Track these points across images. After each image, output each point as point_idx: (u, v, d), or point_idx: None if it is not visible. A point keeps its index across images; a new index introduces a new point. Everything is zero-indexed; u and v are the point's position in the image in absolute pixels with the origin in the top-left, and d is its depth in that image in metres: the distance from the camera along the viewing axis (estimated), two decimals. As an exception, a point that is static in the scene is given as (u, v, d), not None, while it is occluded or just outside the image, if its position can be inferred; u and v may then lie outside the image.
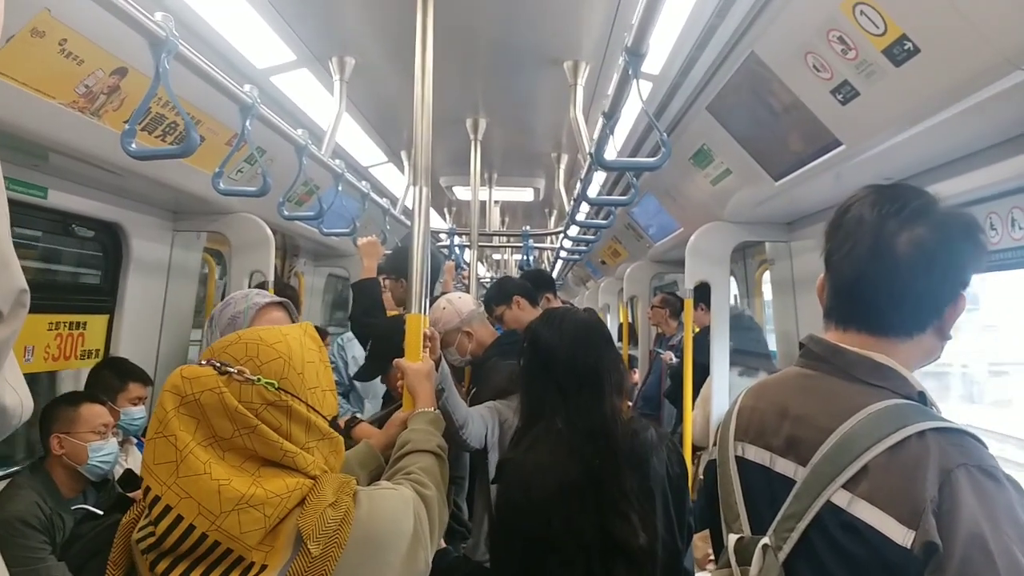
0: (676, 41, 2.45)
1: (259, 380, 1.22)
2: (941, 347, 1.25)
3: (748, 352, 3.90)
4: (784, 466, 1.22)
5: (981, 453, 1.06)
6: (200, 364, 1.24)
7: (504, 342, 3.03)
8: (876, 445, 1.08)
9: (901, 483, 1.05)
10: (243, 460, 1.19)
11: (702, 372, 3.68)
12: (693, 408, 3.73)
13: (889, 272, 1.18)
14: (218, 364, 1.22)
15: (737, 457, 1.34)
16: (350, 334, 4.45)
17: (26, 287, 0.69)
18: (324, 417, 1.30)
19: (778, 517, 1.18)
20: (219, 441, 1.19)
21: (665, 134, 2.09)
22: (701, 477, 1.53)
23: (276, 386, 1.22)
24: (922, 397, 1.17)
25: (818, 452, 1.14)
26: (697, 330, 4.03)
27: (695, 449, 3.70)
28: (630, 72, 1.94)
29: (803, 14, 1.94)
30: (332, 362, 4.37)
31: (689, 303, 3.72)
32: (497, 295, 3.50)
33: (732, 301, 4.38)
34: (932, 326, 1.20)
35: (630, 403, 5.76)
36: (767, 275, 4.60)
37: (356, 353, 4.15)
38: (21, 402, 0.71)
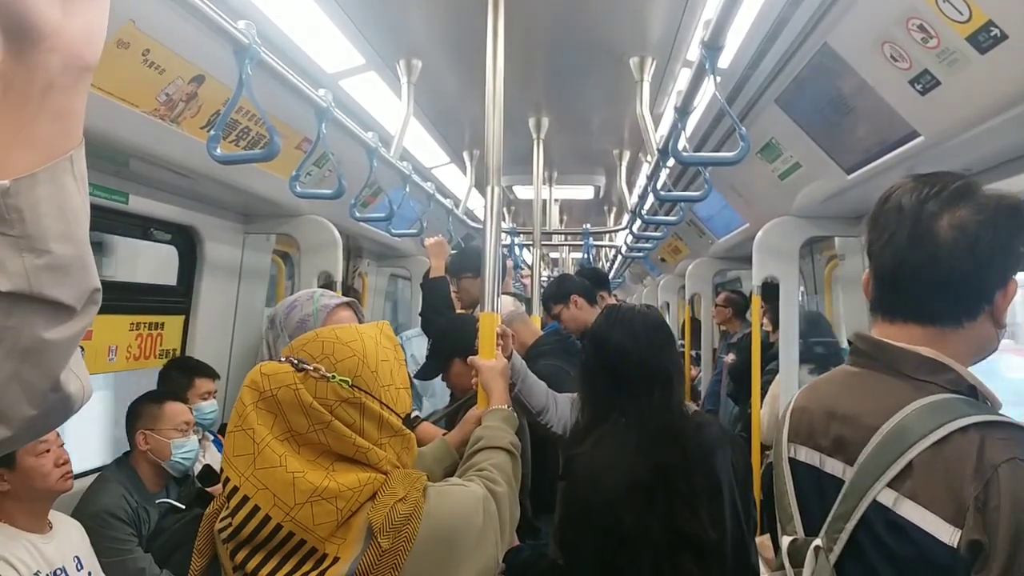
0: (747, 33, 2.41)
1: (334, 377, 1.26)
2: (998, 336, 1.19)
3: (818, 351, 3.82)
4: (833, 466, 1.21)
5: None
6: (280, 361, 1.29)
7: (543, 343, 3.04)
8: (920, 441, 1.05)
9: (946, 480, 1.02)
10: (318, 454, 1.24)
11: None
12: (761, 406, 3.69)
13: (930, 257, 1.13)
14: (296, 361, 1.27)
15: (790, 459, 1.32)
16: (409, 332, 4.49)
17: (99, 287, 0.74)
18: (397, 414, 1.33)
19: (829, 518, 1.16)
20: (295, 435, 1.23)
21: (743, 128, 2.06)
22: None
23: (350, 383, 1.26)
24: (972, 391, 1.13)
25: (864, 451, 1.12)
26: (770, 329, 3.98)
27: (763, 448, 3.65)
28: (707, 67, 1.92)
29: (881, 3, 1.90)
30: None
31: (756, 300, 3.66)
32: (556, 293, 3.51)
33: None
34: (984, 313, 1.15)
35: (696, 402, 5.73)
36: (836, 271, 4.51)
37: (415, 351, 4.19)
38: (83, 387, 0.78)
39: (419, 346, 4.08)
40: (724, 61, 2.68)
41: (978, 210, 1.12)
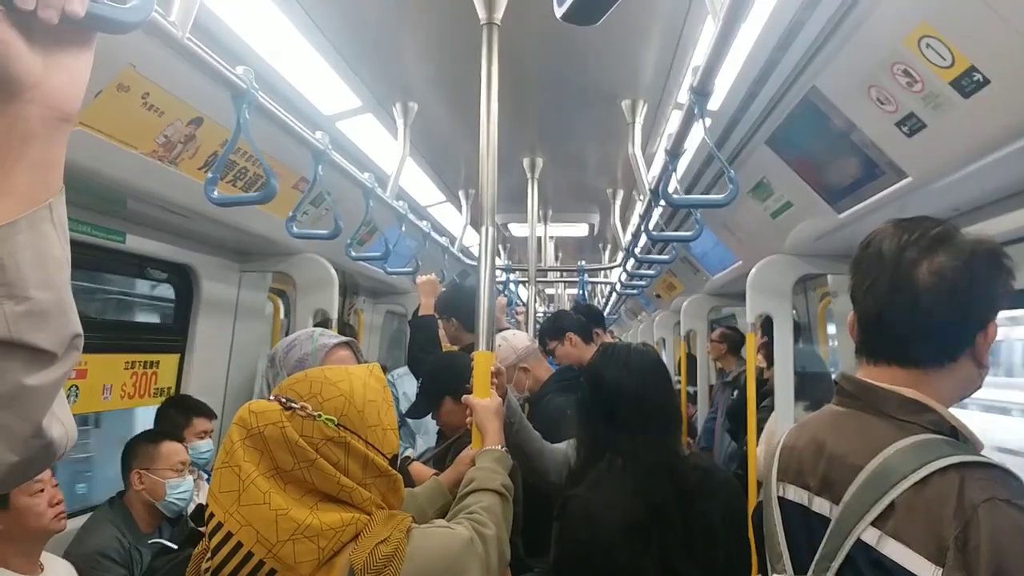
0: (736, 77, 2.46)
1: (320, 416, 1.27)
2: (980, 376, 1.22)
3: (814, 387, 3.81)
4: (820, 505, 1.23)
5: (1010, 486, 1.05)
6: (269, 399, 1.31)
7: (560, 379, 3.03)
8: (902, 481, 1.07)
9: (927, 519, 1.04)
10: (303, 493, 1.24)
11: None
12: (757, 444, 3.67)
13: (911, 302, 1.17)
14: (284, 400, 1.29)
15: (779, 498, 1.34)
16: (400, 370, 4.48)
17: (80, 332, 0.76)
18: (384, 455, 1.33)
19: (816, 557, 1.18)
20: (281, 473, 1.24)
21: (732, 171, 2.09)
22: None
23: (336, 422, 1.28)
24: (954, 432, 1.16)
25: (848, 490, 1.14)
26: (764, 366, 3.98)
27: (759, 484, 3.62)
28: (696, 111, 1.96)
29: (866, 49, 1.94)
30: None
31: (751, 337, 3.67)
32: (551, 329, 3.52)
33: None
34: (965, 354, 1.19)
35: (690, 440, 5.70)
36: (829, 308, 4.52)
37: (407, 389, 4.18)
38: (67, 433, 0.78)
39: (410, 384, 4.07)
40: (714, 103, 2.73)
41: (955, 256, 1.15)
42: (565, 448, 2.31)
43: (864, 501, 1.11)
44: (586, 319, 3.68)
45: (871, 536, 1.09)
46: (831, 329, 4.70)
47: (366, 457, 1.30)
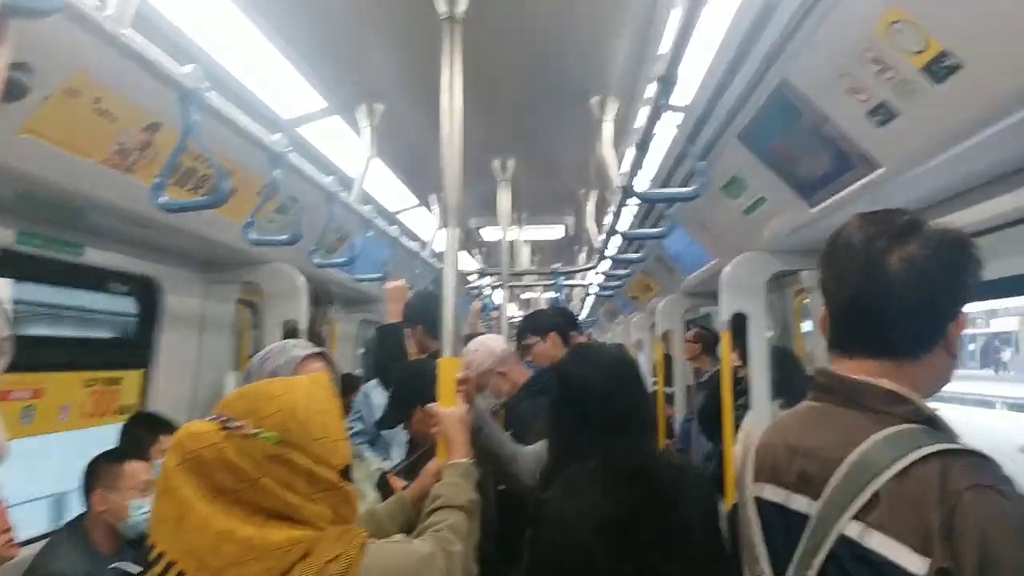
0: (706, 71, 2.43)
1: (259, 434, 1.22)
2: (952, 366, 1.23)
3: (790, 385, 3.80)
4: (799, 502, 1.21)
5: (992, 472, 1.05)
6: (209, 419, 1.25)
7: (537, 382, 2.98)
8: (884, 472, 1.07)
9: (911, 509, 1.03)
10: (249, 512, 1.19)
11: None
12: (734, 443, 3.64)
13: (883, 292, 1.17)
14: (223, 419, 1.23)
15: (756, 498, 1.32)
16: (373, 382, 4.39)
17: (7, 335, 0.71)
18: (333, 467, 1.28)
19: (796, 556, 1.16)
20: (223, 494, 1.19)
21: (701, 163, 2.06)
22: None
23: (277, 439, 1.22)
24: (932, 421, 1.15)
25: (828, 484, 1.13)
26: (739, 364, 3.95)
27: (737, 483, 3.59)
28: (662, 102, 1.92)
29: (837, 37, 1.91)
30: (357, 410, 4.32)
31: (726, 335, 3.64)
32: (534, 326, 3.45)
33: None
34: (938, 345, 1.19)
35: (669, 441, 5.69)
36: (804, 305, 4.52)
37: (380, 400, 4.10)
38: (2, 445, 0.74)
39: (380, 396, 3.99)
40: (685, 98, 2.70)
41: (925, 244, 1.16)
42: (538, 449, 2.26)
43: (846, 494, 1.09)
44: (562, 321, 3.63)
45: (854, 530, 1.08)
46: (806, 326, 4.70)
47: (311, 472, 1.25)
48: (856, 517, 1.08)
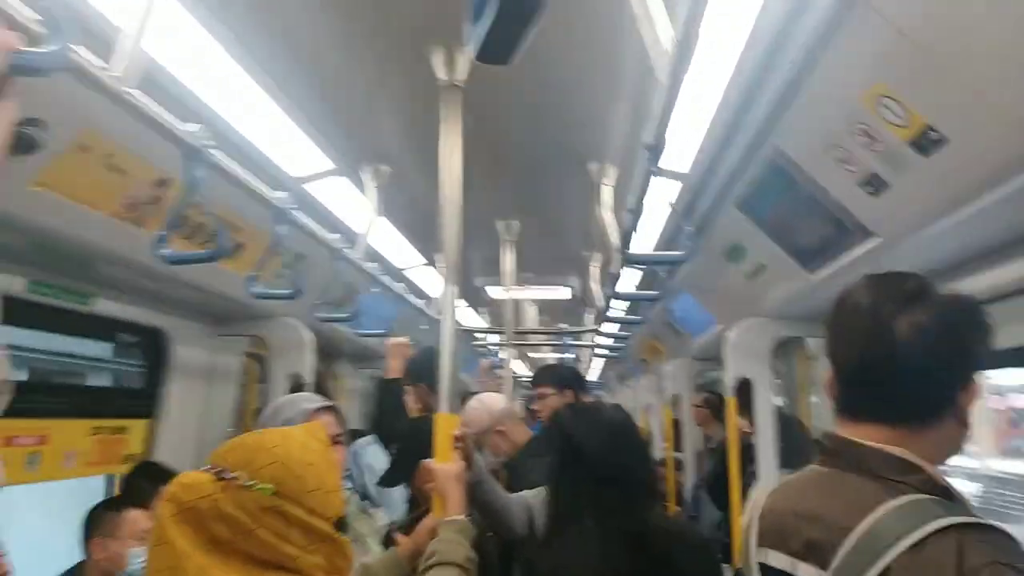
0: (703, 140, 2.48)
1: (254, 485, 1.21)
2: (964, 436, 1.19)
3: (795, 454, 3.75)
4: (806, 571, 1.16)
5: (1011, 550, 1.00)
6: (203, 470, 1.25)
7: (539, 441, 2.96)
8: (897, 544, 1.01)
9: None
10: (244, 563, 1.19)
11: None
12: (743, 510, 3.59)
13: (889, 358, 1.14)
14: (218, 470, 1.23)
15: (760, 564, 1.27)
16: (363, 440, 4.34)
17: (7, 378, 0.75)
18: (327, 519, 1.28)
19: None
20: (220, 545, 1.18)
21: (690, 227, 2.09)
22: None
23: (272, 491, 1.22)
24: (946, 492, 1.11)
25: (837, 555, 1.08)
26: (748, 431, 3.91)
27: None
28: (650, 168, 1.96)
29: (825, 109, 1.95)
30: (347, 469, 4.29)
31: (732, 401, 3.62)
32: (552, 377, 3.48)
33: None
34: (948, 413, 1.15)
35: (679, 508, 5.59)
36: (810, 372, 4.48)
37: (370, 460, 4.05)
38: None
39: (374, 454, 3.95)
40: (683, 166, 2.75)
41: (933, 310, 1.13)
42: (526, 496, 2.26)
43: (856, 566, 1.04)
44: (577, 381, 3.65)
45: None
46: (813, 396, 4.65)
47: (308, 524, 1.24)
48: None
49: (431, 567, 1.64)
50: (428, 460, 2.02)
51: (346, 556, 1.33)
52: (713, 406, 5.24)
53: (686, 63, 1.49)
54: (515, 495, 2.27)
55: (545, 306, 7.39)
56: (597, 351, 6.20)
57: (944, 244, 2.14)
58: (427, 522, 1.94)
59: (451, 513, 1.86)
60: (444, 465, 1.97)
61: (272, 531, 1.20)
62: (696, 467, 5.75)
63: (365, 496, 4.15)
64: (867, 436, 1.17)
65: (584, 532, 1.79)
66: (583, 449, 1.91)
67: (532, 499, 2.30)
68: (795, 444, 3.77)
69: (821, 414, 4.14)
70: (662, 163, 2.20)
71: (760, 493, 3.40)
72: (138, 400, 3.41)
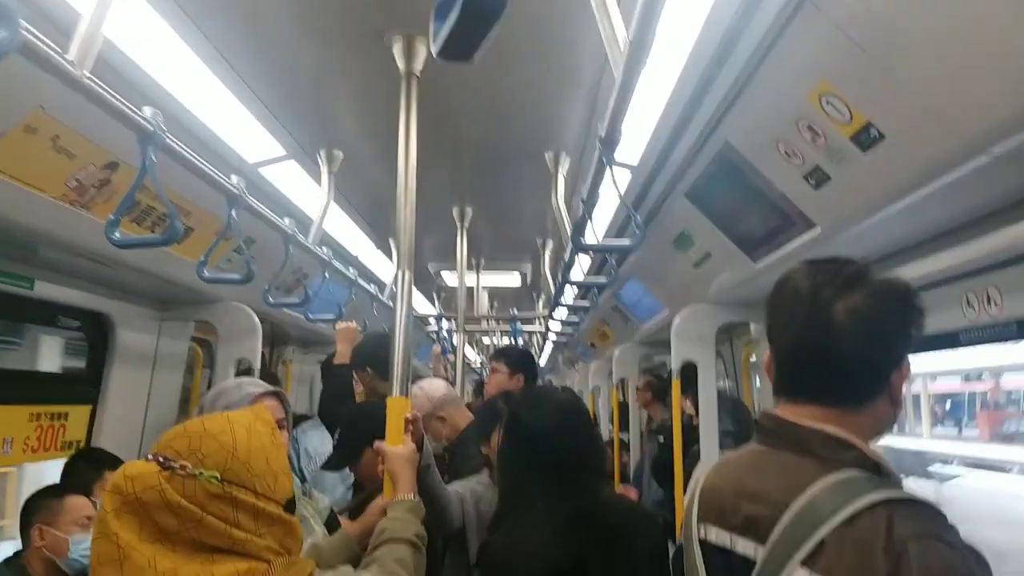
0: (653, 132, 2.53)
1: (201, 474, 1.21)
2: (895, 414, 1.24)
3: (739, 434, 3.87)
4: (744, 546, 1.20)
5: (936, 522, 1.05)
6: (147, 459, 1.24)
7: (477, 422, 2.99)
8: (831, 519, 1.06)
9: (857, 558, 1.03)
10: (193, 550, 1.19)
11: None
12: (685, 491, 3.69)
13: (827, 341, 1.18)
14: (163, 459, 1.22)
15: (700, 540, 1.31)
16: (305, 424, 4.32)
17: None
18: (276, 501, 1.29)
19: None
20: (167, 535, 1.18)
21: (639, 217, 2.15)
22: None
23: (219, 478, 1.22)
24: (877, 468, 1.15)
25: (774, 530, 1.12)
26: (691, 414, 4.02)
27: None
28: (604, 160, 2.00)
29: (773, 105, 2.02)
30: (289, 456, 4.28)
31: (677, 384, 3.71)
32: (507, 357, 3.60)
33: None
34: (881, 394, 1.19)
35: (623, 485, 5.70)
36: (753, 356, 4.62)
37: (310, 445, 4.04)
38: None
39: (313, 439, 3.94)
40: (634, 158, 2.80)
41: (870, 295, 1.17)
42: (459, 490, 2.30)
43: (792, 540, 1.08)
44: (532, 369, 3.72)
45: None
46: (756, 379, 4.79)
47: (256, 508, 1.25)
48: (803, 564, 1.06)
49: (381, 543, 1.65)
50: (380, 442, 2.02)
51: (296, 536, 1.34)
52: (656, 389, 5.35)
53: (641, 60, 1.53)
54: (453, 484, 2.31)
55: (495, 292, 7.42)
56: (550, 337, 6.26)
57: (879, 234, 2.23)
58: (378, 502, 1.96)
59: (401, 493, 1.88)
60: (396, 447, 1.99)
61: (221, 517, 1.21)
62: (640, 448, 5.87)
63: (303, 480, 4.16)
64: (804, 416, 1.21)
65: (534, 513, 1.81)
66: (533, 434, 1.92)
67: (463, 490, 2.33)
68: (741, 425, 3.90)
69: (763, 397, 4.27)
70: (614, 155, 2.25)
71: (702, 471, 3.52)
72: (80, 385, 3.33)
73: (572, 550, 1.74)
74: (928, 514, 1.06)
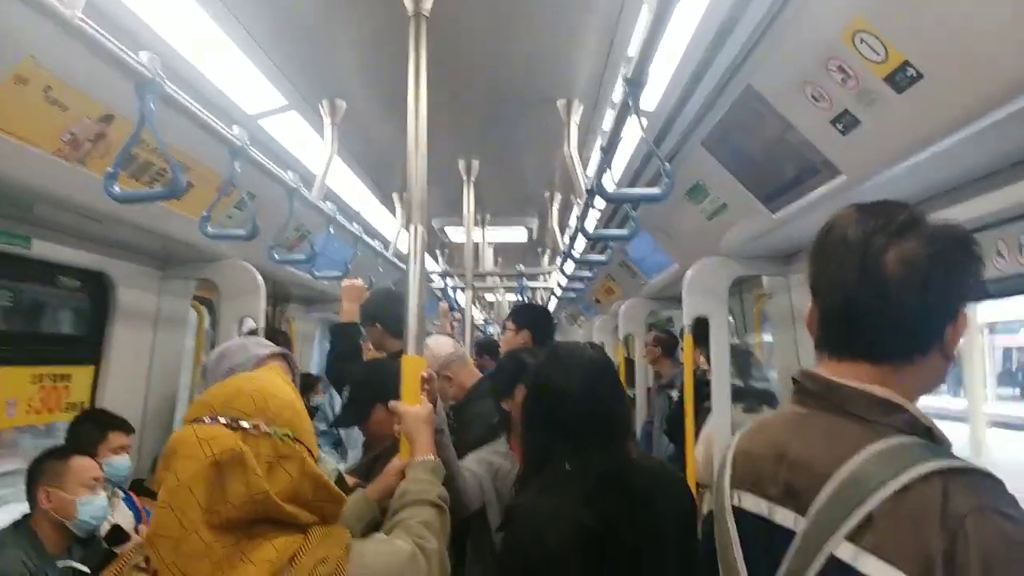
0: (672, 76, 2.43)
1: (275, 432, 1.18)
2: (947, 368, 1.15)
3: (751, 389, 3.84)
4: (783, 516, 1.12)
5: (997, 494, 0.97)
6: (205, 422, 1.18)
7: (484, 386, 2.95)
8: (879, 490, 0.97)
9: (910, 533, 0.95)
10: (243, 531, 1.15)
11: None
12: (696, 446, 3.67)
13: (880, 293, 1.08)
14: (227, 420, 1.17)
15: (734, 507, 1.23)
16: None
17: None
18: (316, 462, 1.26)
19: (780, 574, 1.07)
20: (228, 509, 1.13)
21: (667, 164, 2.05)
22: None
23: (291, 436, 1.19)
24: (929, 433, 1.07)
25: (817, 500, 1.04)
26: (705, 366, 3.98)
27: (698, 486, 3.62)
28: (630, 103, 1.91)
29: (801, 45, 1.92)
30: (323, 412, 4.27)
31: (689, 339, 3.66)
32: (515, 314, 3.63)
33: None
34: (934, 347, 1.10)
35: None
36: (766, 309, 4.57)
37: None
38: None
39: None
40: (650, 104, 2.70)
41: (926, 243, 1.07)
42: (476, 468, 2.22)
43: (837, 512, 1.00)
44: (548, 321, 3.70)
45: (847, 552, 0.98)
46: (765, 331, 4.75)
47: (318, 478, 1.22)
48: (849, 538, 0.99)
49: (405, 506, 1.60)
50: (396, 402, 1.97)
51: (336, 501, 1.29)
52: (664, 344, 5.32)
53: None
54: (467, 461, 2.22)
55: (499, 248, 7.36)
56: (557, 292, 6.21)
57: (907, 182, 2.14)
58: (395, 463, 1.90)
59: (420, 454, 1.82)
60: (412, 407, 1.93)
61: (284, 483, 1.18)
62: (646, 404, 5.87)
63: (338, 440, 4.17)
64: (849, 375, 1.13)
65: (561, 476, 1.76)
66: (561, 396, 1.83)
67: (479, 468, 2.24)
68: (751, 377, 3.87)
69: (775, 351, 4.23)
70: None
71: (712, 429, 3.49)
72: (82, 346, 3.28)
73: (601, 512, 1.68)
74: (988, 485, 0.98)
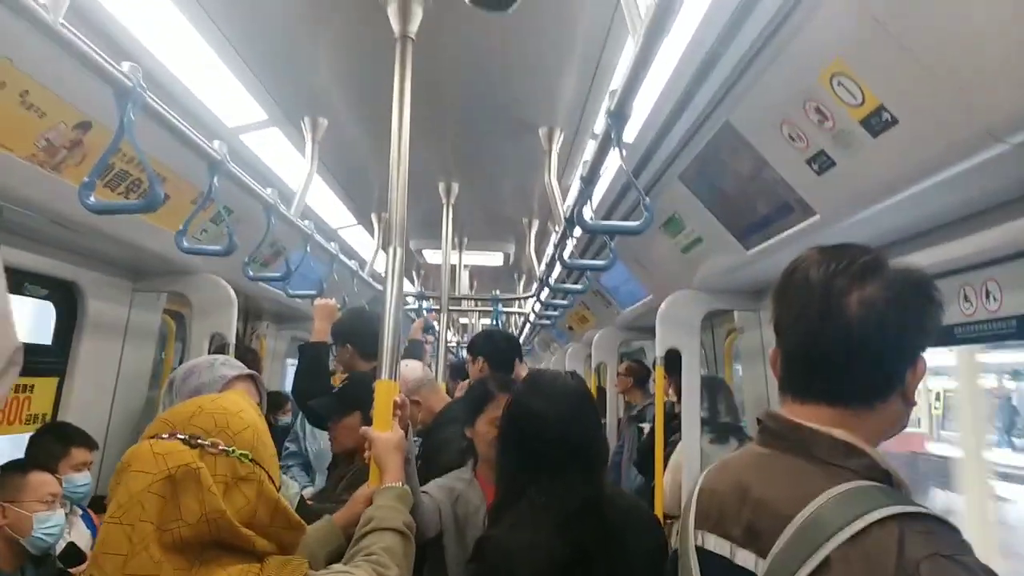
0: (652, 109, 2.46)
1: (233, 451, 1.15)
2: (908, 414, 1.15)
3: (719, 420, 3.85)
4: (745, 558, 1.11)
5: (951, 540, 0.97)
6: (162, 438, 1.15)
7: (452, 411, 2.92)
8: (837, 534, 0.98)
9: None
10: (198, 552, 1.10)
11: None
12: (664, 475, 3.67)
13: (841, 336, 1.09)
14: (185, 437, 1.14)
15: (697, 547, 1.23)
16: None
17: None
18: (277, 488, 1.23)
19: None
20: (179, 527, 1.08)
21: (647, 197, 2.07)
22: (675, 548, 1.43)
23: (250, 457, 1.17)
24: (888, 478, 1.08)
25: (777, 542, 1.04)
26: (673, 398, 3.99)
27: (665, 517, 3.62)
28: (612, 136, 1.92)
29: (780, 85, 1.95)
30: (294, 432, 4.21)
31: (660, 370, 3.68)
32: (471, 344, 3.58)
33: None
34: (895, 392, 1.11)
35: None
36: (736, 344, 4.59)
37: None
38: None
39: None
40: (630, 136, 2.73)
41: (885, 286, 1.08)
42: (436, 493, 2.18)
43: (796, 555, 1.00)
44: (507, 348, 3.63)
45: None
46: (737, 366, 4.78)
47: (277, 503, 1.19)
48: None
49: (368, 532, 1.58)
50: (367, 428, 1.94)
51: (295, 529, 1.26)
52: (636, 374, 5.33)
53: (664, 28, 1.45)
54: (427, 486, 2.18)
55: (474, 271, 7.35)
56: (532, 319, 6.21)
57: (879, 224, 2.18)
58: (363, 491, 1.87)
59: (389, 481, 1.79)
60: (384, 433, 1.90)
61: (239, 506, 1.14)
62: (616, 434, 5.86)
63: (307, 462, 4.10)
64: (812, 417, 1.13)
65: (537, 507, 1.73)
66: (538, 426, 1.81)
67: (439, 494, 2.19)
68: (724, 406, 3.88)
69: (743, 386, 4.25)
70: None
71: (681, 457, 3.47)
72: (46, 357, 3.21)
73: (577, 543, 1.66)
74: (943, 531, 0.98)
